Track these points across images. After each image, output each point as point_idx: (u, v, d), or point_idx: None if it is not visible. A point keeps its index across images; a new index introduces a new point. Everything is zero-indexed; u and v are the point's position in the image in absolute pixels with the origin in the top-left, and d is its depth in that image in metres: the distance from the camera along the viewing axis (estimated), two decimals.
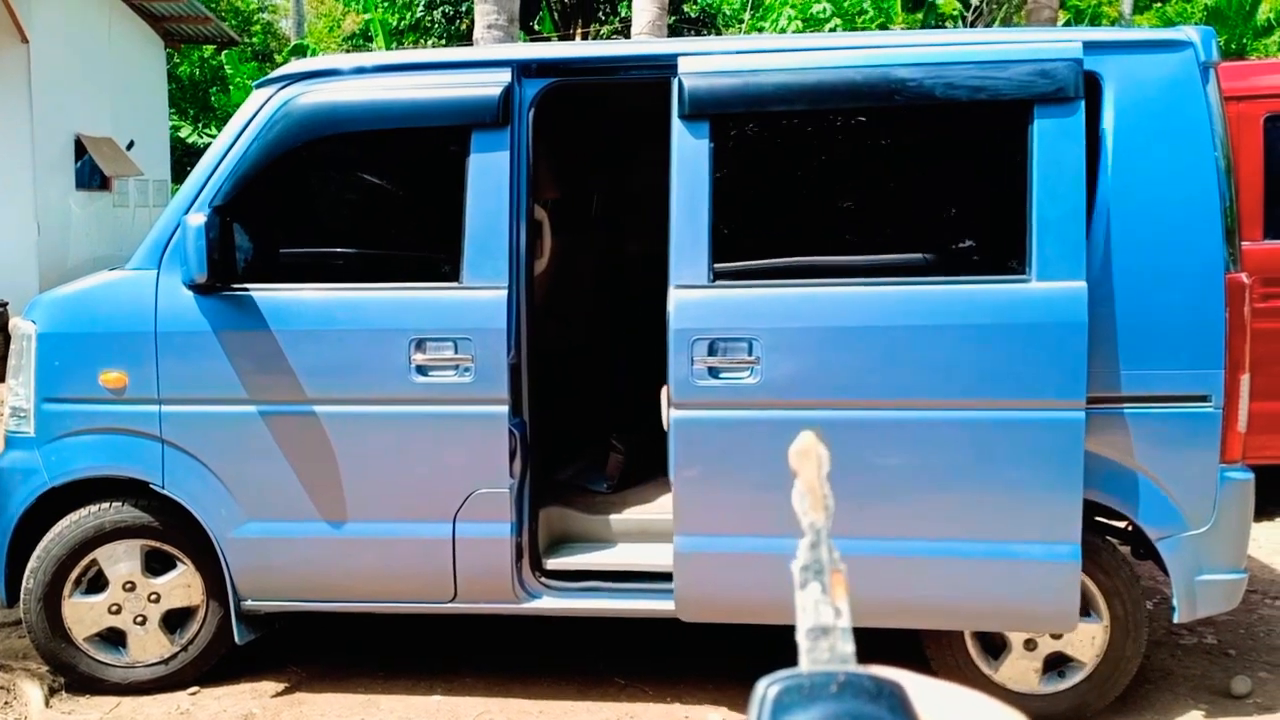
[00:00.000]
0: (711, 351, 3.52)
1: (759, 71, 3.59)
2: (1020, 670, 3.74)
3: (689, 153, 3.58)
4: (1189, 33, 3.58)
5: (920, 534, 3.52)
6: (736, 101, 3.61)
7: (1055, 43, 3.55)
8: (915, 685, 0.52)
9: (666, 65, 3.69)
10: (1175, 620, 3.70)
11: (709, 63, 3.62)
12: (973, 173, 3.78)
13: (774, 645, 4.15)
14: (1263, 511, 5.07)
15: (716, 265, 3.55)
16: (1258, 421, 3.88)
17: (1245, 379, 3.52)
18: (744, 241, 3.71)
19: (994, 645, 3.77)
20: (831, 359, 3.52)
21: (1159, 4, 19.21)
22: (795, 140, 3.86)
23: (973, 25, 15.71)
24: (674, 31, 14.62)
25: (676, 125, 3.60)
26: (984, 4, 15.81)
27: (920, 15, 15.92)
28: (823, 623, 0.54)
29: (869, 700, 0.50)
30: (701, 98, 3.56)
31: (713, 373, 3.53)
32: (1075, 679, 3.73)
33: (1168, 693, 3.97)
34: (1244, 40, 17.44)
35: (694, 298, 3.56)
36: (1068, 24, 16.36)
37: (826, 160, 3.92)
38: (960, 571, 3.52)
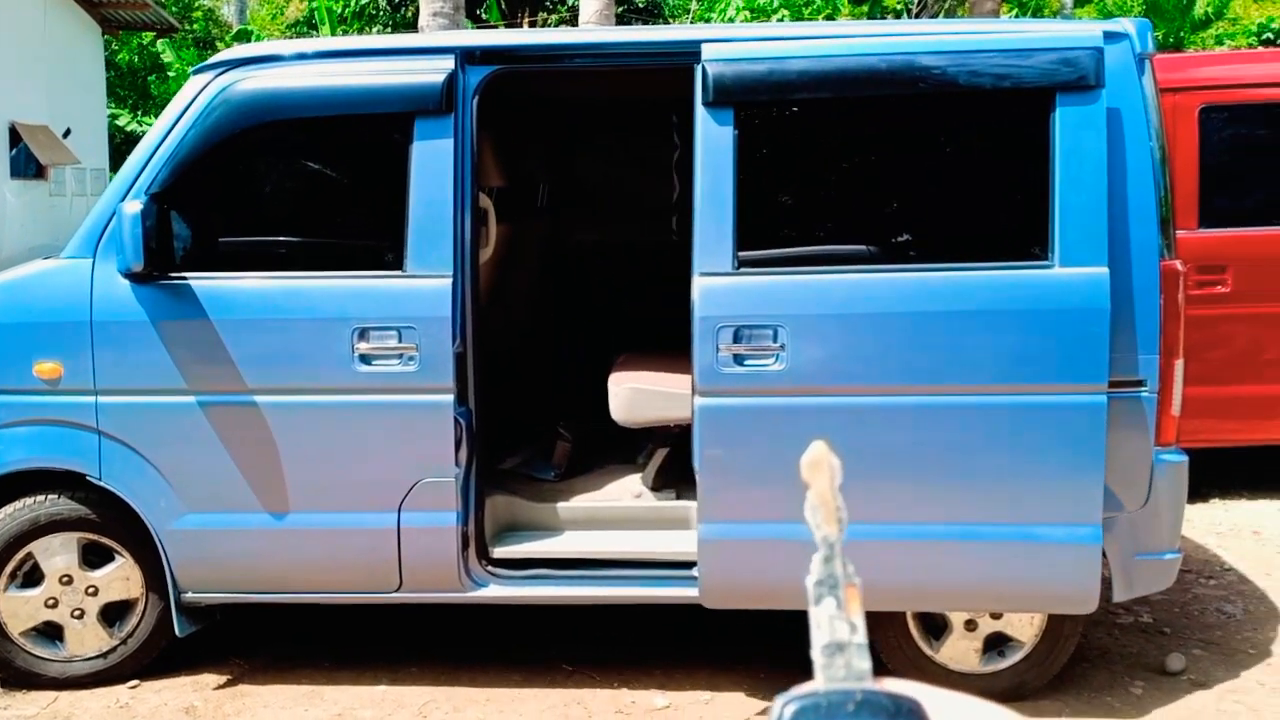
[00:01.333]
0: (737, 339, 3.51)
1: (784, 58, 3.57)
2: (961, 650, 3.79)
3: (713, 140, 3.56)
4: (1125, 25, 3.65)
5: (944, 518, 3.54)
6: (761, 88, 3.58)
7: (1077, 31, 3.59)
8: (932, 700, 0.52)
9: (688, 52, 3.66)
10: (1112, 600, 3.78)
11: (733, 49, 3.60)
12: (996, 160, 3.80)
13: (719, 630, 4.18)
14: (1196, 493, 5.18)
15: (741, 253, 3.55)
16: (1191, 406, 3.96)
17: (1179, 364, 3.60)
18: (768, 229, 3.70)
19: (935, 626, 3.82)
20: (857, 345, 3.53)
21: None
22: (819, 127, 3.85)
23: (917, 17, 15.82)
24: (621, 21, 14.59)
25: (700, 112, 3.57)
26: None
27: (865, 8, 15.99)
28: (838, 639, 0.52)
29: (887, 718, 0.49)
30: (727, 84, 3.54)
31: (738, 360, 3.52)
32: (1015, 658, 3.79)
33: (1105, 670, 4.05)
34: (1182, 34, 17.77)
35: (719, 285, 3.55)
36: (1014, 17, 16.53)
37: (850, 147, 3.93)
38: (983, 555, 3.55)
